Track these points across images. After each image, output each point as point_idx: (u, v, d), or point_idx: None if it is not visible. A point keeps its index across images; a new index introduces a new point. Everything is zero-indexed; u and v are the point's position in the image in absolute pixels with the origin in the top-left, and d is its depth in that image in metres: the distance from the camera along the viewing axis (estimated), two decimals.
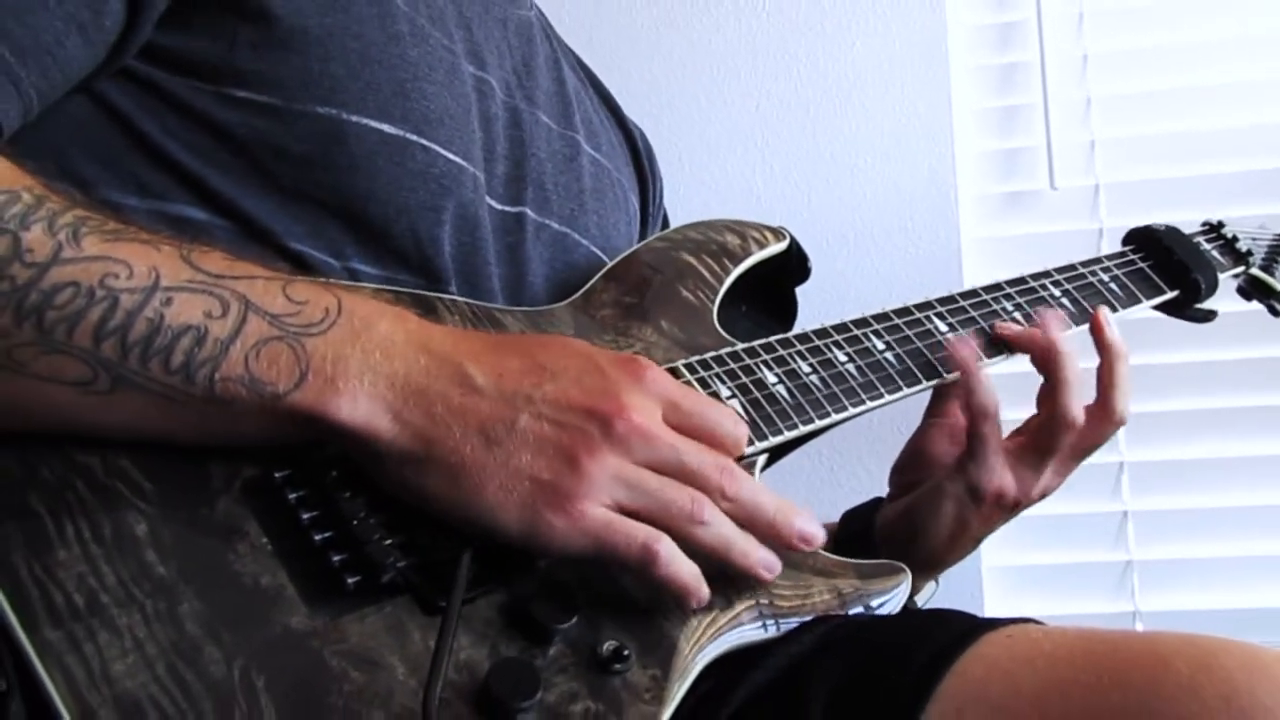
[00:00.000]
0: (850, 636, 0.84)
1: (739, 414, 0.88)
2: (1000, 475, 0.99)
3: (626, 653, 0.75)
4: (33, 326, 0.66)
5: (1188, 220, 1.47)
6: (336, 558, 0.72)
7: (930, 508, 1.03)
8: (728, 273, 1.06)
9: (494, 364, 0.74)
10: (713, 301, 1.04)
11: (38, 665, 0.62)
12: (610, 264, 1.05)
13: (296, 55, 0.87)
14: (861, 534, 1.10)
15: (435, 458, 0.72)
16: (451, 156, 0.93)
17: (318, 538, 0.73)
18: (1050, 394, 1.01)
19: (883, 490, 1.72)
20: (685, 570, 0.75)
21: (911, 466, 1.12)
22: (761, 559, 0.79)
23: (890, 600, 0.91)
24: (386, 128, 0.89)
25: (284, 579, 0.71)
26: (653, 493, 0.74)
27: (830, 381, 0.97)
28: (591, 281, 1.02)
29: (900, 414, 1.13)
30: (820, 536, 0.81)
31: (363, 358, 0.72)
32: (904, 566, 0.93)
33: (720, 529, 0.77)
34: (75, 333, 0.66)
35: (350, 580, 0.72)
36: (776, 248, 1.10)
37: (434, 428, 0.72)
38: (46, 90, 0.80)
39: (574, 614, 0.75)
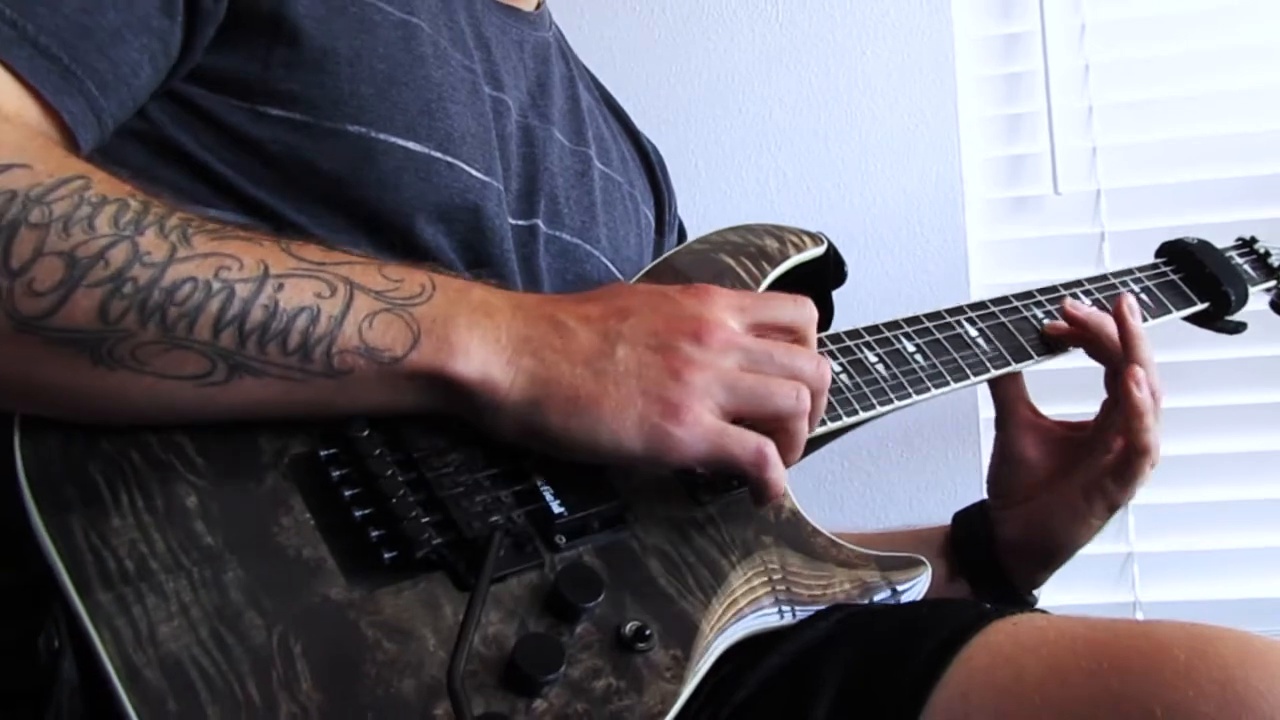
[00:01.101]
0: (864, 624, 0.85)
1: None
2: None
3: (649, 632, 0.75)
4: (156, 325, 0.67)
5: (1186, 224, 1.48)
6: (375, 533, 0.73)
7: (1070, 529, 1.09)
8: (765, 275, 1.06)
9: (579, 311, 0.78)
10: None
11: (89, 625, 0.63)
12: (649, 265, 1.06)
13: (327, 76, 0.88)
14: (984, 540, 1.13)
15: (552, 395, 0.74)
16: (475, 173, 0.94)
17: (358, 514, 0.73)
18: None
19: (883, 486, 1.73)
20: (782, 474, 0.79)
21: (1011, 475, 1.14)
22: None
23: (911, 590, 0.92)
24: (413, 145, 0.90)
25: (325, 552, 0.71)
26: (756, 391, 0.78)
27: (862, 384, 0.98)
28: (632, 282, 1.03)
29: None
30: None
31: (468, 317, 0.74)
32: (923, 559, 0.93)
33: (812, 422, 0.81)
34: (195, 327, 0.67)
35: (387, 555, 0.72)
36: (814, 252, 1.10)
37: (545, 369, 0.74)
38: (120, 118, 0.82)
39: (600, 594, 0.75)
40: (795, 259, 1.08)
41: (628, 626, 0.75)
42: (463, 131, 0.93)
